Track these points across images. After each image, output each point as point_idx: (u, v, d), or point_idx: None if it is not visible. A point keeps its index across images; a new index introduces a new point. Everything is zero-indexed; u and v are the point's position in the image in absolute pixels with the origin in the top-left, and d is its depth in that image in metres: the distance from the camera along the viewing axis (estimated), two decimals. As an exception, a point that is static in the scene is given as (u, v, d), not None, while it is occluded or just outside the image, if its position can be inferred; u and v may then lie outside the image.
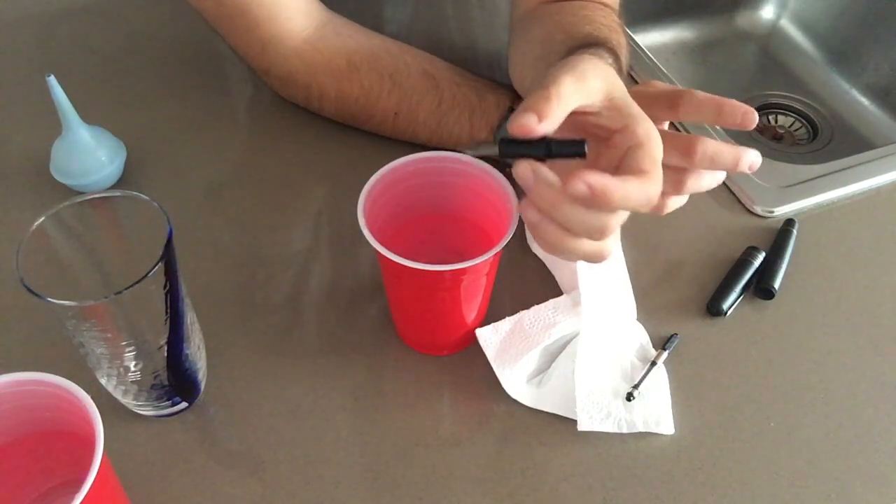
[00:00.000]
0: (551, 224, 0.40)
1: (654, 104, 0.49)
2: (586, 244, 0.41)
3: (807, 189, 0.66)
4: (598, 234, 0.40)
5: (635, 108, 0.42)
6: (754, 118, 0.46)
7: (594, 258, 0.42)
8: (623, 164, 0.40)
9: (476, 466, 0.49)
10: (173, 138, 0.69)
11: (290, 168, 0.67)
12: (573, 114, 0.40)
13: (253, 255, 0.61)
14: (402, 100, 0.63)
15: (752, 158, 0.47)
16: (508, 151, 0.40)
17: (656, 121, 0.50)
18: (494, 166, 0.49)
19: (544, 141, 0.40)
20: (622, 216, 0.40)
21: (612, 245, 0.42)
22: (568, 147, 0.40)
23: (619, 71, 0.50)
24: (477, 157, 0.41)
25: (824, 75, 0.97)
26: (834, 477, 0.49)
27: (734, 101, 0.46)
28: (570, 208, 0.39)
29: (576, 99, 0.40)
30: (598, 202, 0.38)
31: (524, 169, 0.40)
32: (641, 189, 0.38)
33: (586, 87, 0.40)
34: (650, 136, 0.40)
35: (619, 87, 0.42)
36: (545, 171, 0.39)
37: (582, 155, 0.40)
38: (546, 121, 0.38)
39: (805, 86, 0.97)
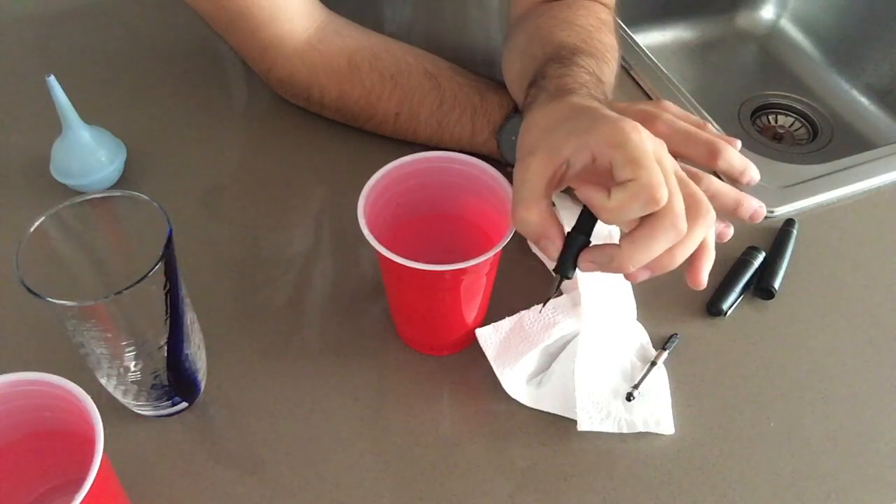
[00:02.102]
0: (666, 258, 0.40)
1: (691, 145, 0.48)
2: (699, 233, 0.41)
3: (807, 189, 0.66)
4: (678, 233, 0.39)
5: (584, 125, 0.40)
6: (756, 178, 0.48)
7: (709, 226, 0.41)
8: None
9: (476, 466, 0.49)
10: (173, 138, 0.69)
11: (290, 168, 0.67)
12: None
13: (253, 254, 0.61)
14: (403, 100, 0.63)
15: (754, 207, 0.48)
16: (567, 267, 0.42)
17: (689, 160, 0.51)
18: (495, 167, 0.49)
19: (573, 234, 0.42)
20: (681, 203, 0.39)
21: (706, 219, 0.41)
22: (589, 222, 0.42)
23: (593, 76, 0.50)
24: (554, 295, 0.45)
25: (824, 75, 0.97)
26: (834, 477, 0.49)
27: (753, 166, 0.48)
28: (651, 242, 0.39)
29: (539, 191, 0.41)
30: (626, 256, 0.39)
31: (588, 266, 0.42)
32: (635, 198, 0.38)
33: (540, 171, 0.41)
34: (614, 145, 0.39)
35: (561, 133, 0.41)
36: (599, 255, 0.41)
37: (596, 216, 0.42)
38: (554, 238, 0.41)
39: (805, 86, 0.97)
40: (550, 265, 0.59)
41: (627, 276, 0.41)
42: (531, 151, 0.41)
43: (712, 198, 0.48)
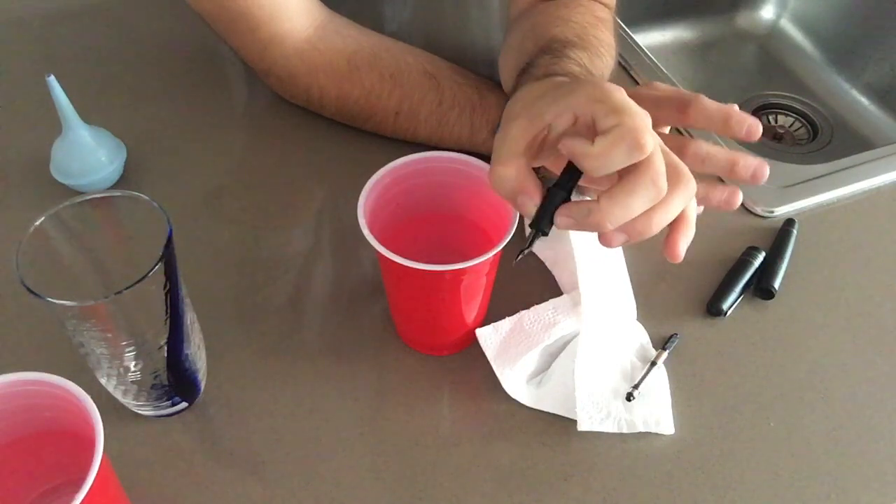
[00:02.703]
0: (640, 221, 0.39)
1: (661, 107, 0.47)
2: (678, 200, 0.39)
3: (807, 189, 0.66)
4: (657, 191, 0.38)
5: (566, 90, 0.40)
6: (758, 130, 0.45)
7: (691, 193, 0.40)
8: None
9: (476, 466, 0.49)
10: (173, 138, 0.69)
11: (290, 168, 0.67)
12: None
13: (253, 254, 0.61)
14: (402, 99, 0.63)
15: (753, 164, 0.46)
16: (544, 222, 0.41)
17: (661, 123, 0.50)
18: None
19: (553, 189, 0.41)
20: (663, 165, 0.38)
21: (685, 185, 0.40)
22: (570, 178, 0.41)
23: (583, 68, 0.50)
24: (528, 252, 0.43)
25: (824, 75, 0.97)
26: (834, 477, 0.49)
27: (742, 112, 0.46)
28: (630, 199, 0.38)
29: (518, 149, 0.40)
30: (604, 213, 0.38)
31: (564, 221, 0.40)
32: (620, 142, 0.36)
33: (521, 133, 0.40)
34: (595, 99, 0.38)
35: (544, 100, 0.40)
36: (577, 209, 0.39)
37: (581, 172, 0.40)
38: (532, 194, 0.40)
39: (805, 86, 0.97)
40: (549, 264, 0.59)
41: (603, 240, 0.40)
42: (513, 118, 0.41)
43: (704, 161, 0.46)
